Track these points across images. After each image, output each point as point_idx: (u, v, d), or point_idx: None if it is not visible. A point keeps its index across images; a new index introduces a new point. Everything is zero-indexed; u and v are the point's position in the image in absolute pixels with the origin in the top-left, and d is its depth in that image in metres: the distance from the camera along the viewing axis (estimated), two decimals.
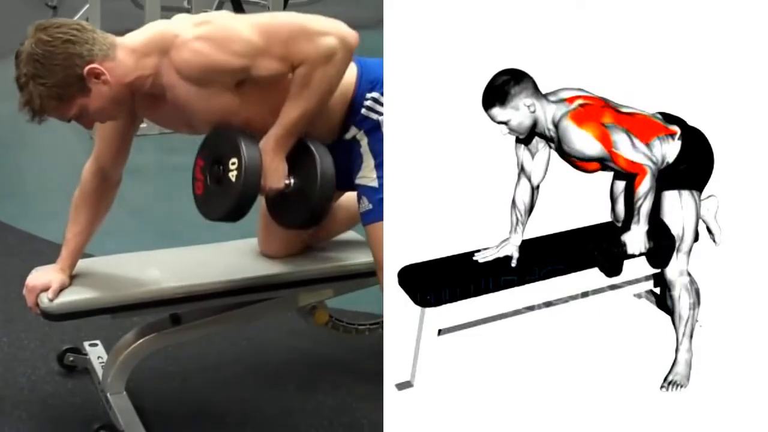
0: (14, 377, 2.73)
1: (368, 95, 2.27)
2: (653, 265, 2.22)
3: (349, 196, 2.48)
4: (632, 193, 2.12)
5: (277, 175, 2.18)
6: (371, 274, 2.45)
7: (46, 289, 2.29)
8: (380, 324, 2.85)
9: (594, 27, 2.64)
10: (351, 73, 2.26)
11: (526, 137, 2.17)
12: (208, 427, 2.54)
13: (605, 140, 2.09)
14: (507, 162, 2.26)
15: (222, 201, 2.16)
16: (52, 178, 4.49)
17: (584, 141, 2.09)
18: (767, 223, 2.46)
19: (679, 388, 2.19)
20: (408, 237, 2.28)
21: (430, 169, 2.59)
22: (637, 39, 2.64)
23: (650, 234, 2.14)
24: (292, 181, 2.20)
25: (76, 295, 2.31)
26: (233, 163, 2.11)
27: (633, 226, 2.14)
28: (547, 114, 2.12)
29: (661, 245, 2.17)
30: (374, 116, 2.27)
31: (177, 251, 2.63)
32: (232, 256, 2.54)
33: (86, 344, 2.76)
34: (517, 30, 2.60)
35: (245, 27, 2.12)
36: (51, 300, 2.28)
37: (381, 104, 2.27)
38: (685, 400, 2.16)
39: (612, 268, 2.20)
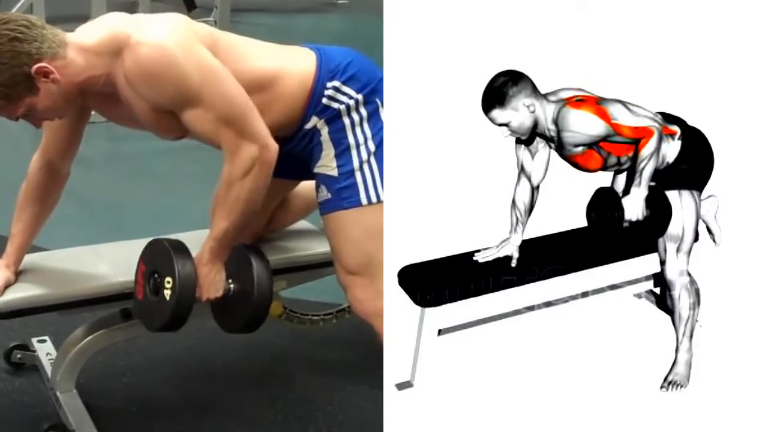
0: None
1: (329, 84, 2.21)
2: (649, 233, 2.18)
3: (305, 185, 2.47)
4: (636, 159, 2.10)
5: (215, 286, 2.16)
6: (326, 265, 2.43)
7: None
8: (335, 314, 2.86)
9: (594, 27, 2.65)
10: (310, 62, 2.23)
11: (527, 138, 2.16)
12: (163, 423, 2.50)
13: (603, 115, 2.08)
14: (507, 162, 2.26)
15: (159, 314, 2.15)
16: (15, 173, 4.38)
17: (584, 120, 2.09)
18: (767, 223, 2.47)
19: (679, 388, 2.19)
20: (408, 237, 2.28)
21: (430, 169, 2.59)
22: (637, 39, 2.64)
23: (648, 201, 2.12)
24: (231, 286, 2.19)
25: (21, 292, 2.25)
26: (168, 282, 2.10)
27: (633, 190, 2.11)
28: (547, 114, 2.12)
29: (659, 213, 2.14)
30: (335, 105, 2.21)
31: (126, 244, 2.53)
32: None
33: (34, 340, 2.70)
34: (517, 30, 2.60)
35: (196, 62, 2.03)
36: None
37: (342, 93, 2.21)
38: (685, 400, 2.16)
39: (609, 233, 2.16)
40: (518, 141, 2.21)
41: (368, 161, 2.21)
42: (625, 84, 2.35)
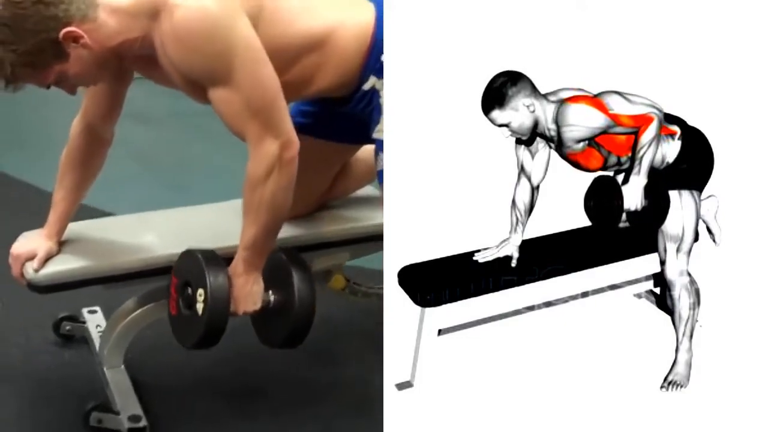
0: (6, 348, 2.53)
1: None
2: (648, 223, 2.16)
3: (368, 149, 2.34)
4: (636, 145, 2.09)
5: (252, 298, 2.05)
6: None
7: (31, 258, 2.14)
8: None
9: (594, 27, 2.65)
10: (368, 16, 2.09)
11: (528, 138, 2.16)
12: (212, 403, 2.37)
13: (600, 107, 2.08)
14: (507, 162, 2.26)
15: (192, 330, 2.05)
16: (61, 127, 4.17)
17: (583, 113, 2.08)
18: (767, 223, 2.47)
19: (679, 388, 2.19)
20: (408, 237, 2.28)
21: (430, 169, 2.59)
22: (637, 39, 2.64)
23: (648, 190, 2.11)
24: (272, 297, 2.08)
25: (63, 265, 2.14)
26: (200, 294, 1.99)
27: (632, 178, 2.10)
28: (547, 113, 2.12)
29: (658, 204, 2.11)
30: None
31: (176, 212, 2.43)
32: (236, 218, 2.21)
33: (85, 311, 2.57)
34: (517, 30, 2.60)
35: (234, 37, 1.89)
36: (36, 270, 2.12)
37: None
38: (685, 400, 2.16)
39: (607, 222, 2.14)
40: (518, 141, 2.21)
41: None
42: (626, 84, 2.34)
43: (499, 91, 2.09)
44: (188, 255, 2.09)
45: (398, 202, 2.20)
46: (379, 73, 2.08)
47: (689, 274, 2.20)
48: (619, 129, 2.10)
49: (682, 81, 2.56)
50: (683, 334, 2.20)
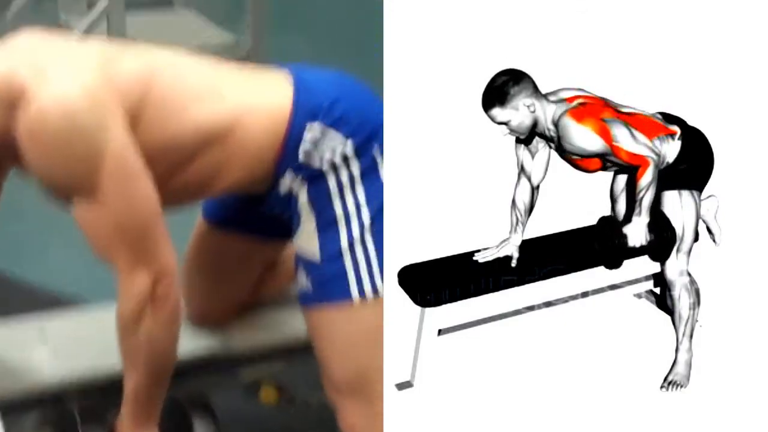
0: None
1: (308, 130, 1.70)
2: (653, 258, 2.22)
3: None
4: (634, 186, 2.12)
5: None
6: None
7: None
8: None
9: (595, 28, 2.65)
10: (284, 99, 1.72)
11: (526, 137, 2.16)
12: None
13: (605, 134, 2.08)
14: (507, 162, 2.26)
15: None
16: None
17: (585, 136, 2.09)
18: (767, 223, 2.47)
19: (679, 388, 2.19)
20: (408, 237, 2.28)
21: (430, 169, 2.59)
22: (637, 39, 2.64)
23: (651, 227, 2.14)
24: None
25: None
26: None
27: (634, 218, 2.14)
28: (547, 114, 2.12)
29: (662, 238, 2.16)
30: (316, 162, 1.70)
31: (81, 315, 2.08)
32: None
33: None
34: (518, 31, 2.60)
35: (103, 145, 1.54)
36: None
37: (327, 140, 1.71)
38: (685, 400, 2.16)
39: (612, 261, 2.20)
40: (518, 140, 2.21)
41: (361, 239, 1.72)
42: (625, 84, 2.35)
43: (501, 89, 2.09)
44: (66, 410, 1.82)
45: (398, 202, 2.20)
46: (298, 170, 1.71)
47: (689, 274, 2.20)
48: (614, 159, 2.11)
49: (682, 81, 2.56)
50: (683, 334, 2.20)
